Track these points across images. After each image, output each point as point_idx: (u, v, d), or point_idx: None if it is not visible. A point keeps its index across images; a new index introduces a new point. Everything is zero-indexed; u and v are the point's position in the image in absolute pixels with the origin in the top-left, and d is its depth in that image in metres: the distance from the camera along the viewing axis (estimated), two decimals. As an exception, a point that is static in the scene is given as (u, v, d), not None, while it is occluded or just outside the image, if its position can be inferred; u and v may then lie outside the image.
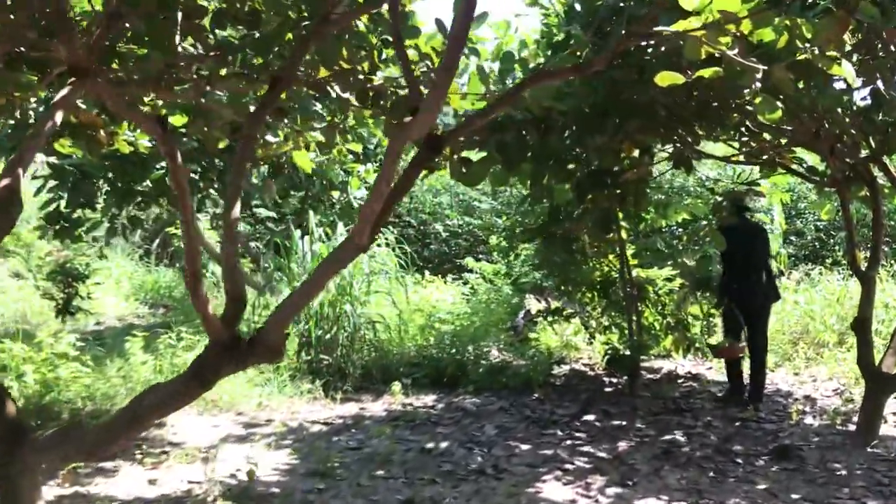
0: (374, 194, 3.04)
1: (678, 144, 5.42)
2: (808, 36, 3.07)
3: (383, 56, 4.13)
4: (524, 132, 4.38)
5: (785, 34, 3.15)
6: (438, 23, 4.02)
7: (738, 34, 3.20)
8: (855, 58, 4.78)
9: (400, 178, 3.49)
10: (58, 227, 6.37)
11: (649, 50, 4.65)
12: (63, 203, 6.40)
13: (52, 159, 6.15)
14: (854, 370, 7.39)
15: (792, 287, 9.55)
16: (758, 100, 3.13)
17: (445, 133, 3.33)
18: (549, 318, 8.23)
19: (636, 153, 5.05)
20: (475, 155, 4.67)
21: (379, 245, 7.56)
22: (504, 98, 3.48)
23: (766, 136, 5.56)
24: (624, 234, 7.88)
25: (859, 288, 8.45)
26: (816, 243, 12.81)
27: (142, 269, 13.76)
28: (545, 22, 5.43)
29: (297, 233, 7.52)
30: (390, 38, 3.99)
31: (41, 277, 9.09)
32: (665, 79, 3.07)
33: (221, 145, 5.07)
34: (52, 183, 6.41)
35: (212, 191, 7.22)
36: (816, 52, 3.10)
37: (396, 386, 6.67)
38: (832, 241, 12.73)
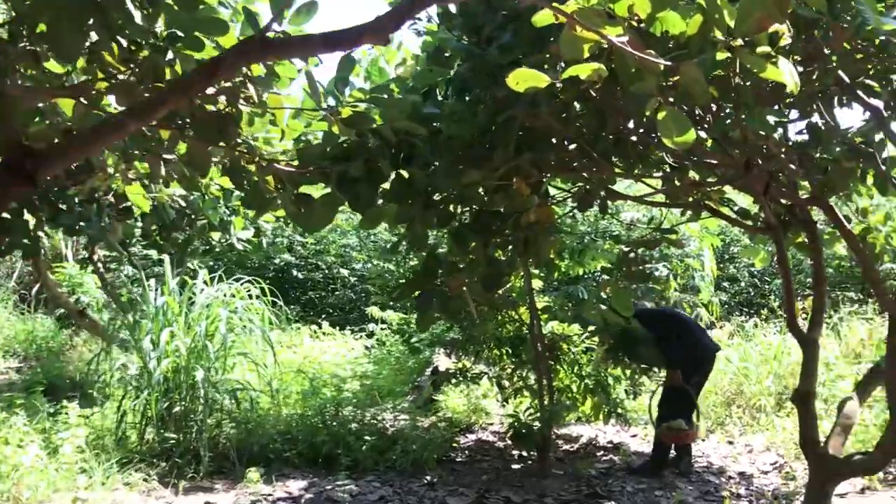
0: None
1: (584, 183, 4.45)
2: (731, 24, 2.12)
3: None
4: (376, 163, 3.34)
5: (698, 18, 2.19)
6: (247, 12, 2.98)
7: (633, 21, 2.24)
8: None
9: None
10: None
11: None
12: None
13: None
14: (795, 439, 6.49)
15: (724, 341, 8.66)
16: (661, 115, 2.13)
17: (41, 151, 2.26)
18: (455, 380, 7.16)
19: (529, 192, 4.05)
20: (318, 191, 3.61)
21: (242, 298, 6.39)
22: (176, 88, 2.46)
23: (692, 173, 4.65)
24: (537, 284, 6.93)
25: (797, 344, 7.68)
26: (750, 290, 12.04)
27: (16, 317, 12.28)
28: (426, 31, 4.45)
29: (151, 283, 6.32)
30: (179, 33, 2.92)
31: None
32: (523, 79, 2.07)
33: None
34: None
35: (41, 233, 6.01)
36: (742, 44, 2.13)
37: (254, 472, 5.48)
38: (767, 287, 11.97)
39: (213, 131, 3.22)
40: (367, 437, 6.03)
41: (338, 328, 10.40)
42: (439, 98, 3.77)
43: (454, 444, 6.67)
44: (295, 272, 12.14)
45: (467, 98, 3.66)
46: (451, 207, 4.22)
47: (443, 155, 3.50)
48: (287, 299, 12.31)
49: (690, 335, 6.11)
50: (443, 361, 8.09)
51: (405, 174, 3.53)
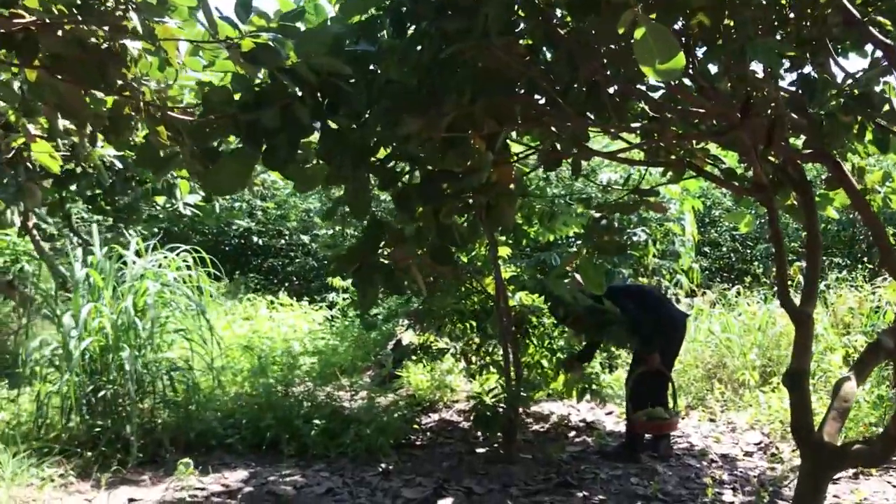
0: None
1: (551, 138, 3.87)
2: None
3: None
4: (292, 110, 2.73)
5: None
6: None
7: None
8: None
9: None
10: None
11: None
12: None
13: None
14: (780, 417, 6.04)
15: (706, 311, 8.17)
16: (639, 33, 1.55)
17: None
18: (415, 356, 6.62)
19: (484, 148, 3.46)
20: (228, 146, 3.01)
21: (177, 269, 5.77)
22: None
23: (674, 126, 4.07)
24: (504, 252, 6.38)
25: (784, 313, 7.20)
26: (732, 255, 11.54)
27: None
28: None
29: (78, 252, 5.69)
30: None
31: None
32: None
33: None
34: None
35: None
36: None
37: (185, 462, 4.92)
38: (750, 252, 11.48)
39: (91, 72, 2.60)
40: (316, 421, 5.48)
41: (298, 299, 9.81)
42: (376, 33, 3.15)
43: (415, 426, 6.14)
44: (255, 239, 11.50)
45: (409, 32, 3.05)
46: (397, 167, 3.65)
47: (379, 102, 2.89)
48: (248, 268, 11.71)
49: (659, 308, 5.67)
50: (407, 334, 7.54)
51: (335, 126, 2.93)
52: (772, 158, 4.29)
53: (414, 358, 6.57)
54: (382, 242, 3.54)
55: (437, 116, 2.89)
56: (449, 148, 3.42)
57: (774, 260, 4.66)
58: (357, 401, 6.46)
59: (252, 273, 11.21)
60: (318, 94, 2.79)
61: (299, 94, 2.77)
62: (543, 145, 3.74)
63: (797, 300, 4.17)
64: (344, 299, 8.88)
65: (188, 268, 5.81)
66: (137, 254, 5.84)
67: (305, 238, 11.44)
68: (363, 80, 2.88)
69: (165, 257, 5.92)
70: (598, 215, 3.13)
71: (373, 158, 3.45)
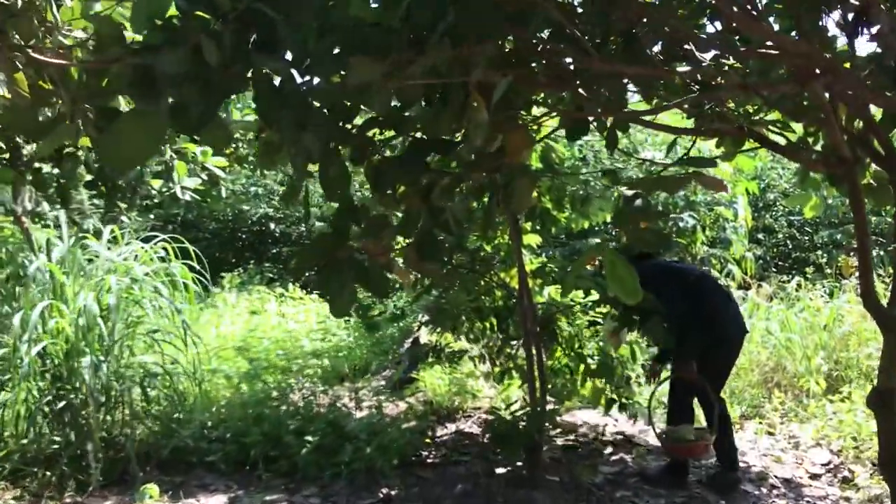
0: None
1: (579, 100, 3.06)
2: None
3: None
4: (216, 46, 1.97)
5: None
6: None
7: None
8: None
9: None
10: None
11: None
12: None
13: None
14: (851, 431, 5.17)
15: (763, 306, 7.25)
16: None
17: None
18: (430, 358, 5.87)
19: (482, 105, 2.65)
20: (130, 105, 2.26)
21: (149, 262, 5.07)
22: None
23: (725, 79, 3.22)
24: (533, 240, 5.58)
25: (854, 309, 6.27)
26: (789, 242, 10.50)
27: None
28: None
29: (42, 236, 5.03)
30: None
31: None
32: None
33: None
34: None
35: None
36: None
37: (151, 488, 4.23)
38: (809, 239, 10.42)
39: None
40: (308, 438, 4.76)
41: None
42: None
43: (427, 440, 5.39)
44: (273, 226, 10.82)
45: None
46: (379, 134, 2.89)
47: (321, 40, 2.10)
48: (266, 256, 11.05)
49: (714, 309, 4.61)
50: (424, 332, 6.78)
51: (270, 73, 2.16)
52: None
53: (429, 361, 5.81)
54: (358, 231, 2.77)
55: (407, 59, 2.10)
56: (443, 107, 2.65)
57: (857, 251, 3.79)
58: (364, 409, 5.73)
59: (269, 262, 10.54)
60: (242, 29, 2.03)
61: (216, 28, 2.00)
62: (566, 107, 2.92)
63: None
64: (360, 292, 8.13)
65: (161, 260, 5.09)
66: (115, 242, 5.16)
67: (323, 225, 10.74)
68: (308, 8, 2.09)
69: (144, 249, 5.23)
70: (630, 193, 2.30)
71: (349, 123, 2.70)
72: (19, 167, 6.74)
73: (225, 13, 2.00)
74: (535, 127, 3.73)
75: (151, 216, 7.63)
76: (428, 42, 2.21)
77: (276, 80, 2.16)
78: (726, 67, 3.28)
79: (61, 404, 4.50)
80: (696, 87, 3.31)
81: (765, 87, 2.56)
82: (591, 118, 3.20)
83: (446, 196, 2.87)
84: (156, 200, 7.16)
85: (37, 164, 6.81)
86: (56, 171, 6.80)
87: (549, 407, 5.02)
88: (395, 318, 5.48)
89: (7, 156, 6.41)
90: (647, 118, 3.42)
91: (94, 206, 8.07)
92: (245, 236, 10.84)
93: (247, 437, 4.83)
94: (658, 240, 2.22)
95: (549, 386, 5.44)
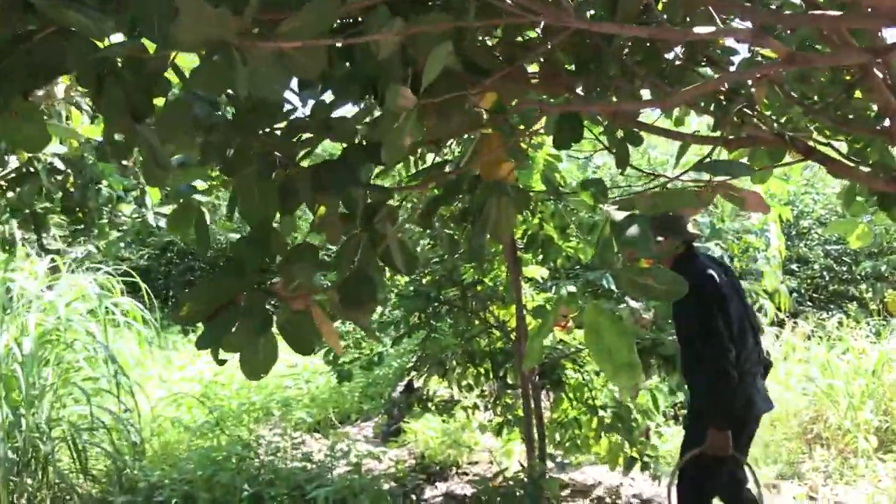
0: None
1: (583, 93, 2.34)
2: None
3: None
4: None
5: None
6: None
7: None
8: None
9: None
10: None
11: None
12: None
13: None
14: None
15: (799, 346, 6.44)
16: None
17: None
18: (416, 409, 5.14)
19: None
20: None
21: (83, 298, 4.41)
22: None
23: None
24: (534, 273, 4.87)
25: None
26: (825, 274, 9.62)
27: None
28: None
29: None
30: None
31: None
32: None
33: None
34: None
35: None
36: None
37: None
38: (847, 271, 9.51)
39: None
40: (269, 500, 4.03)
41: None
42: None
43: (417, 500, 4.65)
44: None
45: None
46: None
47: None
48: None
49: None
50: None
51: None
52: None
53: (415, 412, 5.08)
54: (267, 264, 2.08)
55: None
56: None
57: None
58: (342, 465, 4.99)
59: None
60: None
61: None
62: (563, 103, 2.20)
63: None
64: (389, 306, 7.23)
65: (100, 297, 4.41)
66: (55, 271, 4.52)
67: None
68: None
69: (97, 280, 4.57)
70: (621, 216, 1.51)
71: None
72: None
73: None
74: (526, 136, 3.03)
75: (121, 245, 7.00)
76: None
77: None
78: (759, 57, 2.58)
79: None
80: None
81: (821, 60, 1.84)
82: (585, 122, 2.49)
83: (390, 221, 2.18)
84: (124, 228, 6.56)
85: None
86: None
87: (552, 467, 4.28)
88: (371, 364, 4.77)
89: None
90: (658, 121, 2.71)
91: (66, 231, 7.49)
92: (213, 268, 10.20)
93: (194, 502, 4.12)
94: (668, 286, 1.46)
95: (556, 440, 4.71)
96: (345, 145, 2.20)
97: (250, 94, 1.54)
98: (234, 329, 2.08)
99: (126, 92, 1.54)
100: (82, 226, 6.89)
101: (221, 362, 2.10)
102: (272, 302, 2.14)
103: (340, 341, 2.70)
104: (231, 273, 2.12)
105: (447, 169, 3.17)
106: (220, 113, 2.17)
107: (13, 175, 6.23)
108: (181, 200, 2.34)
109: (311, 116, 2.15)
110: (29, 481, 3.96)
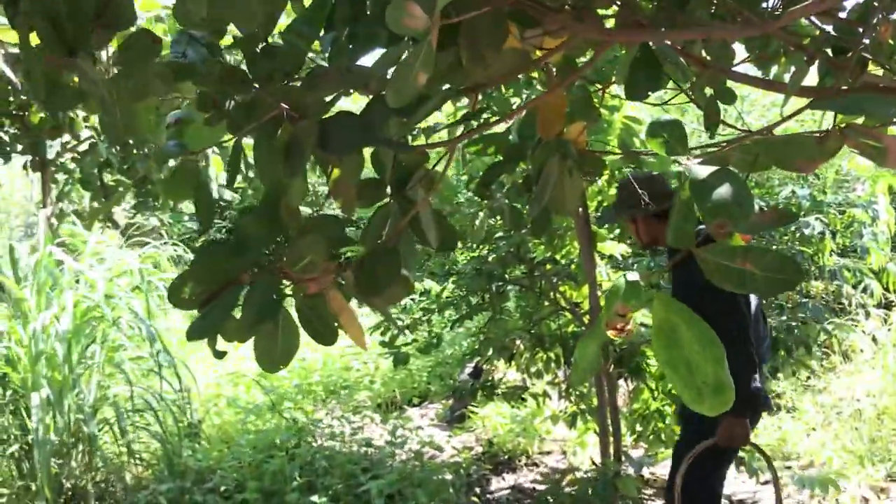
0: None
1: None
2: None
3: None
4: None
5: None
6: None
7: None
8: None
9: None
10: None
11: None
12: None
13: None
14: None
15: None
16: None
17: None
18: (482, 395, 4.78)
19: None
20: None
21: (126, 274, 4.18)
22: None
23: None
24: (612, 250, 4.43)
25: None
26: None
27: None
28: None
29: (24, 247, 4.25)
30: None
31: None
32: None
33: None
34: None
35: None
36: None
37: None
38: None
39: None
40: (314, 499, 3.75)
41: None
42: None
43: (475, 497, 4.30)
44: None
45: None
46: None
47: None
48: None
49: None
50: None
51: None
52: None
53: (478, 398, 4.72)
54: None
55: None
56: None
57: None
58: (404, 451, 4.68)
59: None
60: None
61: None
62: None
63: None
64: (419, 301, 6.95)
65: (142, 272, 4.18)
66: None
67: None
68: None
69: (142, 256, 4.37)
70: (705, 172, 1.08)
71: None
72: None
73: None
74: (598, 86, 2.58)
75: (186, 217, 6.81)
76: None
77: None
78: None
79: (13, 448, 3.66)
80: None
81: None
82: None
83: (425, 186, 1.81)
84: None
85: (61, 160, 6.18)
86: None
87: (626, 465, 3.87)
88: (429, 346, 4.42)
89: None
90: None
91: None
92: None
93: (242, 492, 3.88)
94: (773, 273, 1.02)
95: (638, 432, 4.29)
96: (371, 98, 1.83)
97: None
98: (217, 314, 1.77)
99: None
100: (149, 198, 6.80)
101: (220, 355, 1.77)
102: (286, 284, 1.80)
103: (392, 320, 2.34)
104: (232, 250, 1.78)
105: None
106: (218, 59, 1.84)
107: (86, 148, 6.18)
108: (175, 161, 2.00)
109: (328, 61, 1.81)
110: (73, 465, 3.78)
